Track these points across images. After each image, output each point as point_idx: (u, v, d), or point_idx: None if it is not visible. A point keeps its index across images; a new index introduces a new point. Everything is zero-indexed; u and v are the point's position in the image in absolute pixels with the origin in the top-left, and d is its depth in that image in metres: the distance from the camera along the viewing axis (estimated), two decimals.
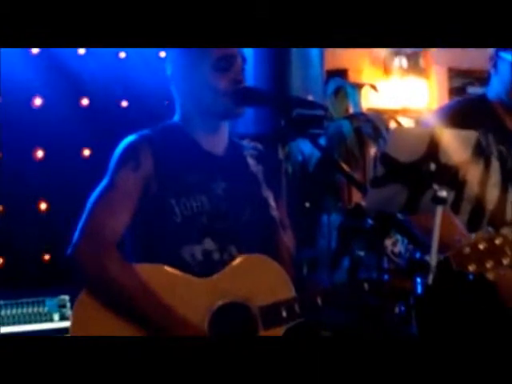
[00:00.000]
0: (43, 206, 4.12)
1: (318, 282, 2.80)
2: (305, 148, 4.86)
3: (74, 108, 4.24)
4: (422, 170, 2.36)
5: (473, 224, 3.04)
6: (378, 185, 2.36)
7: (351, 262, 4.30)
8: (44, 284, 3.79)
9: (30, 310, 3.65)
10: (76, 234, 2.53)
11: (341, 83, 5.46)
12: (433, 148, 2.36)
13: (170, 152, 2.63)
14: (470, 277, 2.63)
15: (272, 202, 2.72)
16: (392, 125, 5.35)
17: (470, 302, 3.03)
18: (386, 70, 6.15)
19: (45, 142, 4.14)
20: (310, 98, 4.18)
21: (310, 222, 4.90)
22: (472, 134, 2.49)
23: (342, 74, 5.79)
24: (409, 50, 6.20)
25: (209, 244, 2.61)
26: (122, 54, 4.38)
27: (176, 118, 2.74)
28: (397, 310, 2.71)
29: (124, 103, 4.42)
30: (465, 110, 3.16)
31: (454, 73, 6.46)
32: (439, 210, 2.34)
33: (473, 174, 3.04)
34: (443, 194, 2.33)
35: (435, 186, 2.34)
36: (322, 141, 4.59)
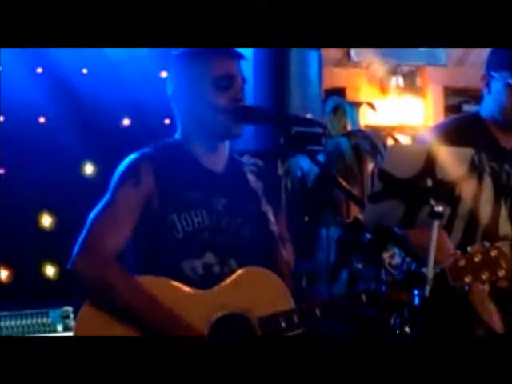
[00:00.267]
0: (47, 220, 4.15)
1: (316, 294, 2.84)
2: (304, 164, 4.88)
3: (76, 126, 4.27)
4: (419, 185, 2.39)
5: (466, 240, 3.05)
6: (375, 200, 2.40)
7: (349, 274, 4.32)
8: (48, 296, 3.82)
9: (34, 320, 3.67)
10: (76, 248, 2.56)
11: (339, 101, 5.46)
12: (429, 164, 2.40)
13: (171, 169, 2.66)
14: (466, 288, 2.67)
15: (271, 217, 2.74)
16: (389, 141, 5.32)
17: (464, 313, 3.06)
18: (383, 89, 6.15)
19: (48, 158, 4.19)
20: (309, 116, 4.18)
21: (309, 235, 4.90)
22: (468, 151, 2.53)
23: (340, 92, 5.80)
24: (405, 69, 6.22)
25: (209, 258, 2.64)
26: (125, 74, 4.44)
27: (177, 135, 2.77)
28: (392, 321, 2.76)
29: (126, 121, 4.46)
30: (458, 128, 3.19)
31: (449, 91, 6.45)
32: (436, 224, 2.36)
33: (466, 191, 3.07)
34: (440, 209, 2.36)
35: (432, 202, 2.36)
36: (321, 157, 4.57)
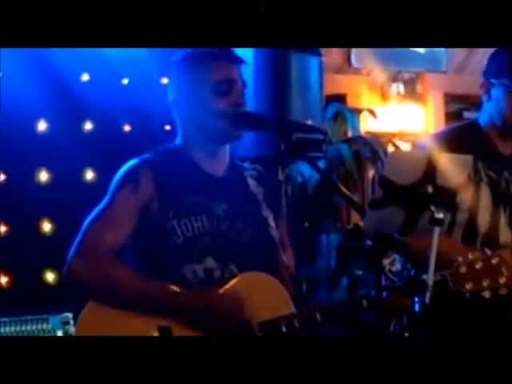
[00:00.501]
0: (47, 226, 4.16)
1: (317, 300, 2.85)
2: (304, 170, 4.90)
3: (77, 132, 4.30)
4: (420, 192, 2.39)
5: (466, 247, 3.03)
6: (376, 206, 2.40)
7: (350, 280, 4.33)
8: (48, 302, 3.83)
9: (34, 326, 3.67)
10: (71, 250, 2.57)
11: (339, 108, 5.49)
12: (430, 171, 2.40)
13: (172, 174, 2.67)
14: (467, 295, 2.65)
15: (272, 222, 2.75)
16: (390, 148, 5.34)
17: (466, 320, 3.05)
18: (384, 96, 6.17)
19: (49, 164, 4.20)
20: (310, 122, 4.19)
21: (309, 241, 4.91)
22: (468, 158, 2.54)
23: (340, 99, 5.82)
24: (406, 76, 6.24)
25: (210, 262, 2.64)
26: (125, 81, 4.45)
27: (177, 141, 2.78)
28: (392, 327, 2.76)
29: (127, 127, 4.47)
30: (457, 136, 3.18)
31: (450, 98, 6.47)
32: (436, 230, 2.37)
33: (465, 198, 3.06)
34: (440, 215, 2.36)
35: (432, 208, 2.36)
36: (321, 164, 4.58)
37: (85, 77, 4.31)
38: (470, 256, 2.66)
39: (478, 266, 2.63)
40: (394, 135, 5.98)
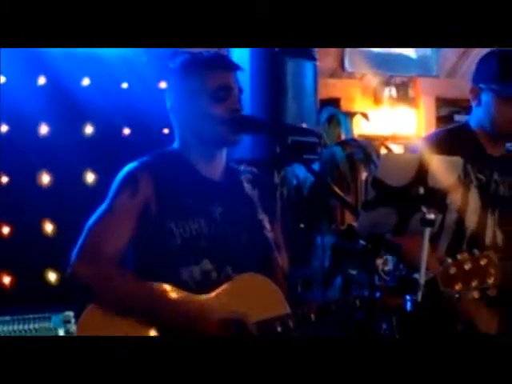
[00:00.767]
0: (49, 227, 4.18)
1: (311, 300, 2.84)
2: (299, 173, 4.91)
3: (78, 135, 4.31)
4: (411, 193, 2.42)
5: (452, 249, 3.05)
6: (369, 208, 2.42)
7: (344, 280, 4.35)
8: (50, 301, 3.84)
9: (36, 325, 3.69)
10: (73, 254, 2.60)
11: (333, 112, 5.51)
12: (421, 173, 2.42)
13: (170, 177, 2.70)
14: (457, 295, 2.71)
15: (267, 225, 2.78)
16: (382, 151, 5.35)
17: (455, 318, 3.10)
18: (377, 99, 6.15)
19: (50, 167, 4.23)
20: (305, 125, 4.21)
21: (304, 242, 4.92)
22: (459, 160, 2.56)
23: (334, 102, 5.81)
24: (398, 80, 6.24)
25: (206, 265, 2.67)
26: (125, 85, 4.46)
27: (175, 144, 2.80)
28: (385, 325, 2.81)
29: (126, 130, 4.48)
30: (447, 139, 3.22)
31: (441, 102, 6.45)
32: (427, 231, 2.40)
33: (455, 200, 3.09)
34: (431, 216, 2.38)
35: (424, 209, 2.39)
36: (316, 166, 4.59)
37: (85, 81, 4.33)
38: (459, 257, 2.70)
39: (467, 266, 2.68)
40: (386, 138, 5.96)
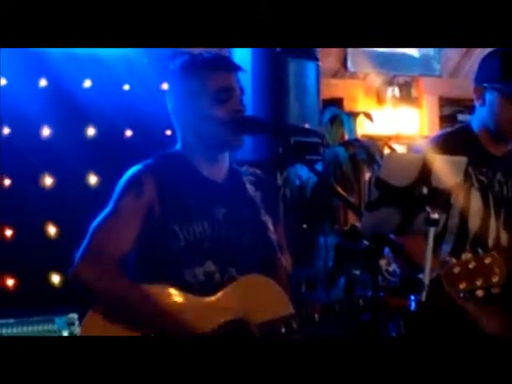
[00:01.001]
0: (52, 230, 4.19)
1: (315, 301, 2.86)
2: (302, 173, 4.91)
3: (80, 137, 4.32)
4: (415, 193, 2.40)
5: (456, 252, 3.00)
6: (372, 208, 2.40)
7: (347, 280, 4.34)
8: (53, 303, 3.85)
9: (40, 327, 3.71)
10: (77, 256, 2.60)
11: (336, 112, 5.50)
12: (425, 173, 2.41)
13: (173, 180, 2.70)
14: (461, 294, 2.71)
15: (270, 226, 2.78)
16: (385, 151, 5.34)
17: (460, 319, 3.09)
18: (380, 99, 6.15)
19: (53, 169, 4.24)
20: (307, 126, 4.22)
21: (307, 243, 4.92)
22: (462, 160, 2.55)
23: (337, 103, 5.81)
24: (401, 80, 6.25)
25: (210, 266, 2.67)
26: (126, 87, 4.48)
27: (178, 146, 2.80)
28: (389, 325, 2.80)
29: (128, 132, 4.50)
30: (449, 142, 3.20)
31: (444, 101, 6.45)
32: (432, 231, 2.39)
33: (458, 201, 3.10)
34: (435, 216, 2.38)
35: (428, 209, 2.38)
36: (319, 166, 4.60)
37: (87, 83, 4.34)
38: (463, 256, 2.71)
39: (471, 265, 2.68)
40: (389, 138, 5.96)
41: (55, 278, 4.15)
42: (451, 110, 6.49)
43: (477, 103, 3.27)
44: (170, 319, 2.56)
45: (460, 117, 6.27)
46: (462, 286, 2.68)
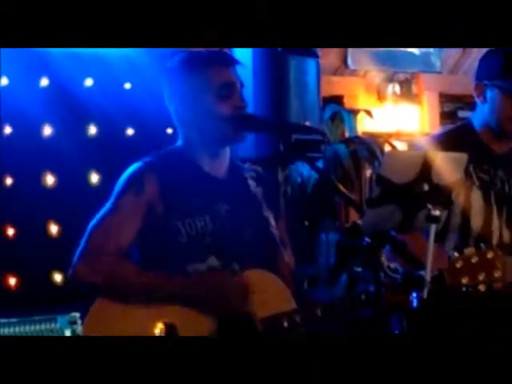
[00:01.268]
0: (54, 228, 4.20)
1: (318, 299, 2.89)
2: (303, 170, 4.90)
3: (81, 136, 4.33)
4: (416, 190, 2.41)
5: (459, 250, 2.96)
6: (373, 205, 2.42)
7: (349, 277, 4.34)
8: (56, 302, 3.86)
9: (42, 326, 3.72)
10: (77, 253, 2.62)
11: (337, 109, 5.49)
12: (426, 169, 2.42)
13: (174, 176, 2.71)
14: (463, 289, 2.70)
15: (272, 221, 2.79)
16: (386, 148, 5.34)
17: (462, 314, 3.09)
18: (380, 96, 6.14)
19: (54, 168, 4.24)
20: (308, 123, 4.23)
21: (309, 240, 4.94)
22: (463, 156, 2.56)
23: (338, 100, 5.79)
24: (401, 77, 6.25)
25: (213, 261, 2.69)
26: (127, 85, 4.48)
27: (178, 143, 2.81)
28: (391, 322, 2.80)
29: (130, 131, 4.50)
30: (450, 141, 3.19)
31: (444, 98, 6.43)
32: (433, 228, 2.41)
33: (457, 203, 3.10)
34: (436, 213, 2.39)
35: (429, 206, 2.39)
36: (320, 164, 4.61)
37: (88, 82, 4.35)
38: (466, 251, 2.70)
39: (474, 260, 2.67)
40: (390, 135, 5.95)
41: (57, 277, 4.16)
42: (452, 106, 6.48)
43: (478, 100, 3.27)
44: (176, 295, 2.58)
45: (460, 113, 6.27)
46: (464, 281, 2.68)
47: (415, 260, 2.57)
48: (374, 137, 5.54)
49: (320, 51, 4.46)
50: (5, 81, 4.11)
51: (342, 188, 2.68)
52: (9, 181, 4.13)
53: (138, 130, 4.49)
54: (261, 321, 2.62)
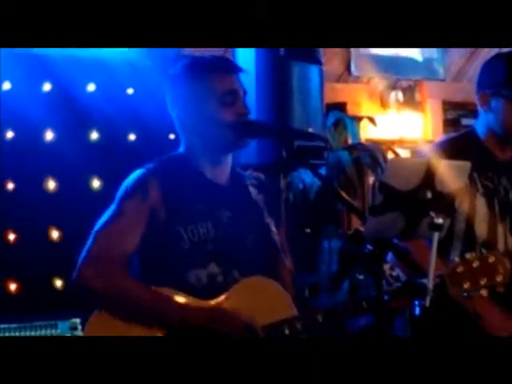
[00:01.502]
0: (55, 234, 4.20)
1: (320, 306, 2.87)
2: (306, 177, 4.92)
3: (84, 141, 4.33)
4: (419, 198, 2.41)
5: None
6: (376, 212, 2.41)
7: (351, 284, 4.35)
8: (56, 308, 3.86)
9: (42, 332, 3.71)
10: (81, 258, 2.60)
11: (340, 116, 5.52)
12: (429, 177, 2.41)
13: (177, 182, 2.71)
14: (465, 294, 2.71)
15: (273, 228, 2.79)
16: (389, 155, 5.36)
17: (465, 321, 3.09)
18: (383, 103, 6.17)
19: (56, 173, 4.24)
20: (311, 130, 4.23)
21: (311, 247, 4.93)
22: (466, 164, 2.56)
23: (341, 107, 5.82)
24: (404, 84, 6.26)
25: (213, 268, 2.68)
26: (130, 91, 4.48)
27: (181, 149, 2.81)
28: (393, 329, 2.79)
29: (132, 136, 4.50)
30: (453, 148, 3.18)
31: (448, 105, 6.46)
32: (436, 236, 2.39)
33: (461, 210, 3.11)
34: (439, 221, 2.38)
35: (432, 214, 2.39)
36: (323, 170, 4.62)
37: (91, 87, 4.34)
38: (467, 256, 2.71)
39: (475, 264, 2.68)
40: (393, 142, 5.98)
41: (58, 283, 4.16)
42: (455, 114, 6.50)
43: (481, 108, 3.27)
44: (178, 319, 2.57)
45: (464, 121, 6.28)
46: (466, 286, 2.68)
47: (418, 268, 2.57)
48: (377, 144, 5.55)
49: (323, 58, 4.45)
50: (7, 85, 4.12)
51: (344, 195, 2.67)
52: (10, 185, 4.13)
53: (140, 135, 4.49)
54: (262, 328, 2.61)
